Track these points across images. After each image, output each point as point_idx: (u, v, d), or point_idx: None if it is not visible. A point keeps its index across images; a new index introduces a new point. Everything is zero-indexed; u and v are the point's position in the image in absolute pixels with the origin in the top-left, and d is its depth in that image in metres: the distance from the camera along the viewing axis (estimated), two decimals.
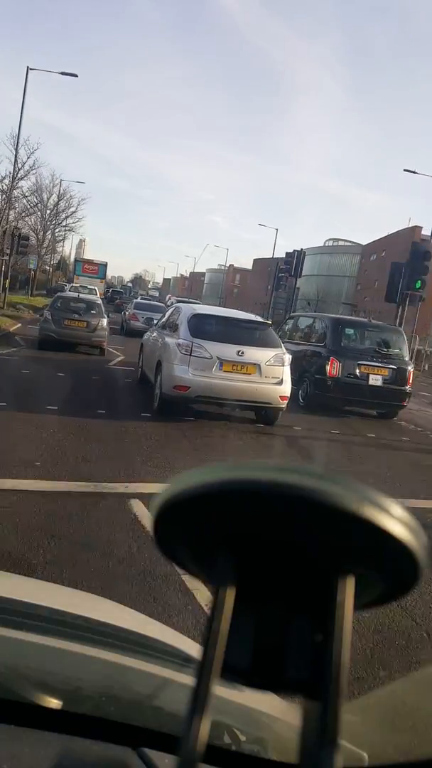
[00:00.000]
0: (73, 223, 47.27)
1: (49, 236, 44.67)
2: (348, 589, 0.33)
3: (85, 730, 0.68)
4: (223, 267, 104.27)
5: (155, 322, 17.89)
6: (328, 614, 0.32)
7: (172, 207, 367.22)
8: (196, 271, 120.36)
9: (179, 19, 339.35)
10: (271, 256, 68.03)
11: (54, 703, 0.68)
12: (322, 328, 11.11)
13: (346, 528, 0.31)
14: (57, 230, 46.22)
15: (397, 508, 0.31)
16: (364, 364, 10.18)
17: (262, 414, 8.20)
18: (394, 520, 0.31)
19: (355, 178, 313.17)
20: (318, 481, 0.31)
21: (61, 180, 43.57)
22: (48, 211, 43.30)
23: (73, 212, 45.47)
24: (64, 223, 46.23)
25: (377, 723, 0.78)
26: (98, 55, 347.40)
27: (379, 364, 10.31)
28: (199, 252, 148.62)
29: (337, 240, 75.87)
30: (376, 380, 10.14)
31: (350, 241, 72.96)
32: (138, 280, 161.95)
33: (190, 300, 34.72)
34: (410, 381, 10.52)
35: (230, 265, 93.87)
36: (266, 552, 0.34)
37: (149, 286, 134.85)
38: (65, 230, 48.25)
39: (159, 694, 0.81)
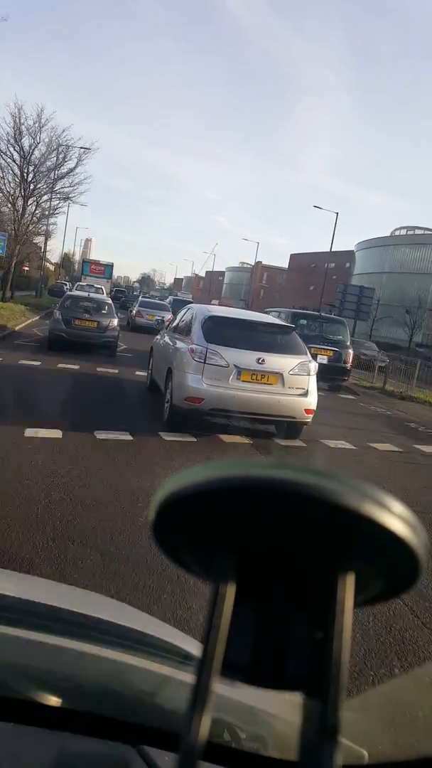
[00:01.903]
0: (71, 186, 29.10)
1: (33, 208, 28.07)
2: (348, 586, 0.33)
3: (85, 727, 0.68)
4: (246, 265, 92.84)
5: (159, 318, 21.82)
6: (328, 611, 0.32)
7: (177, 207, 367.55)
8: (213, 270, 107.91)
9: (185, 20, 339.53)
10: (314, 251, 59.56)
11: (54, 700, 0.69)
12: (283, 320, 14.00)
13: (345, 525, 0.31)
14: (46, 198, 28.72)
15: (396, 505, 0.31)
16: (313, 347, 12.39)
17: (284, 428, 7.47)
18: (394, 516, 0.31)
19: (359, 180, 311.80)
20: (317, 477, 0.31)
21: (61, 138, 26.99)
22: (32, 168, 26.70)
23: (72, 170, 28.30)
24: (57, 186, 28.58)
25: (377, 720, 0.78)
26: (104, 56, 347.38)
27: (325, 347, 13.61)
28: (208, 251, 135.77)
29: (413, 228, 57.17)
30: (322, 359, 12.93)
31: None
32: (146, 280, 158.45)
33: (183, 297, 33.97)
34: (349, 361, 14.11)
35: (258, 263, 78.43)
36: (266, 549, 0.34)
37: (158, 286, 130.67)
38: (59, 198, 29.82)
39: (159, 692, 0.81)
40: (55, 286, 43.50)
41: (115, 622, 1.07)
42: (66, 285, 42.27)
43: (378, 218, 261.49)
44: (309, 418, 7.16)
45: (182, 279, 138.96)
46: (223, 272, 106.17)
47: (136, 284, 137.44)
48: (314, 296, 58.16)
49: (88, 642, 0.89)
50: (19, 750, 0.63)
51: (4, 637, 0.86)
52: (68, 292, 18.16)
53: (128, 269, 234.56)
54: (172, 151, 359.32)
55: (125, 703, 0.75)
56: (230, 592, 0.33)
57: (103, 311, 13.62)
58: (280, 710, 0.80)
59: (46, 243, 36.76)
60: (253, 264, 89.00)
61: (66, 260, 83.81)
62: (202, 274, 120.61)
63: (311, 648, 0.33)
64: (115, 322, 13.60)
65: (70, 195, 29.82)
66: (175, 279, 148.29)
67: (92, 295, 15.90)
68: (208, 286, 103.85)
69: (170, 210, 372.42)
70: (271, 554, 0.34)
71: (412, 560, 0.32)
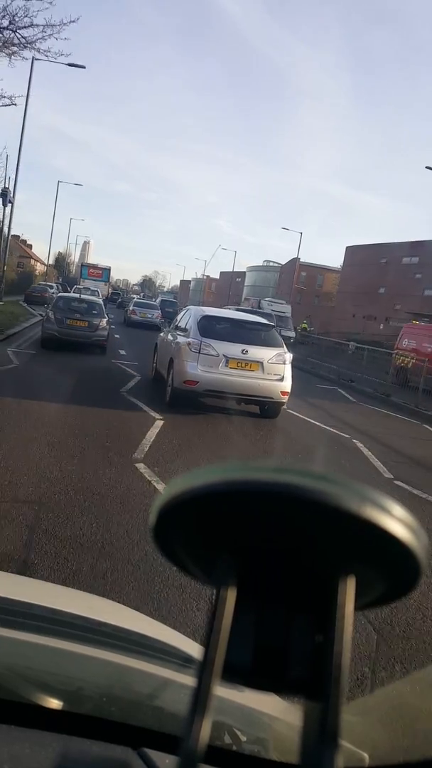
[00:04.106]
0: (31, 23, 13.09)
1: None
2: (348, 590, 0.33)
3: (86, 730, 0.68)
4: (272, 264, 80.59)
5: (149, 316, 28.73)
6: (329, 614, 0.32)
7: (176, 210, 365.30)
8: (233, 270, 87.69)
9: (183, 25, 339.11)
10: (382, 242, 43.34)
11: (54, 703, 0.68)
12: None
13: (346, 528, 0.31)
14: None
15: (397, 508, 0.31)
16: None
17: (265, 408, 8.91)
18: (395, 520, 0.31)
19: (359, 183, 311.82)
20: (318, 481, 0.31)
21: None
22: None
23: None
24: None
25: (378, 723, 0.78)
26: (103, 61, 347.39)
27: None
28: (212, 253, 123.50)
29: None
30: None
31: None
32: (147, 283, 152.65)
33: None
34: None
35: (295, 259, 59.49)
36: (267, 552, 0.34)
37: (159, 290, 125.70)
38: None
39: (160, 695, 0.81)
40: (35, 290, 34.33)
41: (116, 625, 1.07)
42: (52, 288, 35.91)
43: (377, 220, 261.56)
44: (285, 399, 8.64)
45: (190, 281, 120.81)
46: (243, 273, 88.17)
47: (137, 287, 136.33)
48: (385, 301, 43.36)
49: (89, 645, 0.89)
50: (20, 752, 0.63)
51: (5, 640, 0.86)
52: (60, 294, 18.69)
53: (128, 272, 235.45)
54: (171, 154, 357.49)
55: (126, 705, 0.75)
56: (231, 595, 0.33)
57: (94, 311, 14.19)
58: (280, 713, 0.80)
59: (5, 207, 24.06)
60: (280, 262, 75.56)
61: (60, 260, 78.84)
62: (201, 275, 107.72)
63: (312, 651, 0.33)
64: (105, 322, 14.16)
65: (29, 40, 12.95)
66: (181, 281, 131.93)
67: (83, 296, 16.71)
68: (225, 288, 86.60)
69: (169, 213, 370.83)
70: (272, 557, 0.34)
71: (413, 563, 0.32)
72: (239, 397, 8.42)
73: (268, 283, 75.84)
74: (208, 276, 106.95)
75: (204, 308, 10.42)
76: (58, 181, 44.86)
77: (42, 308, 22.39)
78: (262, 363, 8.34)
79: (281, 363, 8.50)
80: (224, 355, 8.24)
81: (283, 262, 76.67)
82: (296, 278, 58.30)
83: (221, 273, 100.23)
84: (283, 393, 8.52)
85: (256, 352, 8.36)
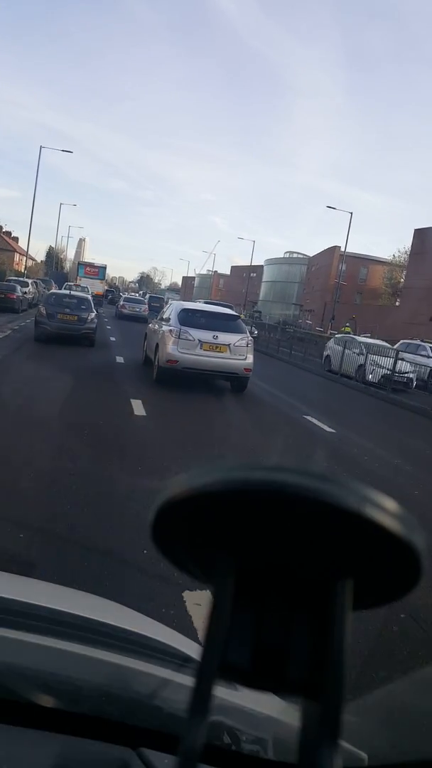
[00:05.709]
0: None
1: None
2: (347, 589, 0.33)
3: (85, 730, 0.68)
4: (296, 255, 70.30)
5: (137, 309, 34.82)
6: (328, 614, 0.32)
7: (172, 208, 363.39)
8: (251, 264, 71.79)
9: (178, 23, 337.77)
10: None
11: (53, 703, 0.69)
12: None
13: (345, 527, 0.31)
14: None
15: (396, 508, 0.31)
16: None
17: (234, 385, 11.07)
18: (395, 519, 0.30)
19: (354, 181, 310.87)
20: (317, 480, 0.30)
21: None
22: None
23: None
24: None
25: (377, 723, 0.78)
26: (98, 58, 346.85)
27: None
28: (211, 249, 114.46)
29: None
30: None
31: None
32: (145, 280, 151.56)
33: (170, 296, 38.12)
34: None
35: (334, 248, 49.59)
36: (265, 552, 0.34)
37: (157, 288, 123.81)
38: None
39: (158, 694, 0.80)
40: (5, 287, 24.34)
41: (115, 625, 1.07)
42: (25, 286, 26.96)
43: (372, 218, 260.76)
44: (248, 374, 10.78)
45: (194, 278, 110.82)
46: (260, 267, 74.90)
47: (134, 284, 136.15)
48: None
49: (88, 644, 0.89)
50: (18, 752, 0.63)
51: (4, 640, 0.86)
52: (52, 290, 19.56)
53: (125, 270, 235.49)
54: (168, 152, 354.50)
55: (125, 705, 0.75)
56: (230, 594, 0.33)
57: (83, 306, 15.48)
58: (279, 713, 0.80)
59: None
60: (306, 254, 65.86)
61: (51, 254, 74.30)
62: (208, 271, 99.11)
63: (311, 651, 0.33)
64: (93, 315, 15.51)
65: None
66: (184, 278, 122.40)
67: (73, 292, 18.20)
68: (236, 285, 76.79)
69: (165, 211, 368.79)
70: (271, 557, 0.34)
71: (413, 563, 0.32)
72: (211, 373, 10.46)
73: (293, 279, 66.08)
74: (216, 271, 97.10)
75: (183, 302, 13.04)
76: (41, 146, 40.43)
77: (5, 317, 19.27)
78: (229, 346, 10.38)
79: (245, 345, 10.60)
80: (199, 340, 10.24)
81: (282, 258, 69.52)
82: (334, 274, 46.63)
83: (232, 268, 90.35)
84: (246, 369, 10.62)
85: (225, 337, 10.39)
